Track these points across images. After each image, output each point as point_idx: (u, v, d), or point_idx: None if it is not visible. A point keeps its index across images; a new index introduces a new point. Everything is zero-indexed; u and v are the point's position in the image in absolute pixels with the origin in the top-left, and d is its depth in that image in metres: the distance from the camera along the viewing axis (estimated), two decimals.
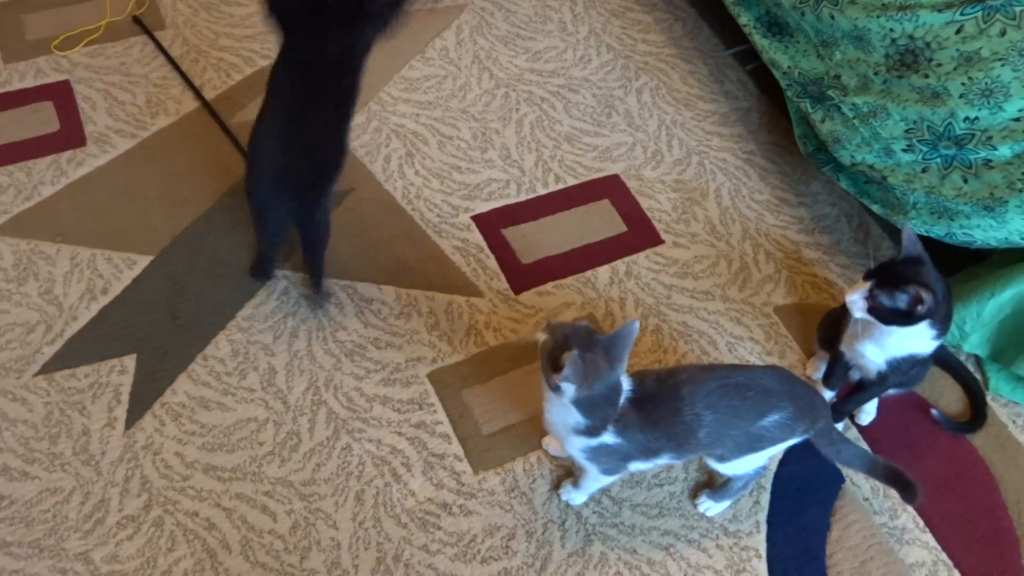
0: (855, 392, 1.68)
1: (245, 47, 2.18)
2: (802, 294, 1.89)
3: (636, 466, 1.43)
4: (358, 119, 2.06)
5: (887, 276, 1.41)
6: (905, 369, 1.53)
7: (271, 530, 1.50)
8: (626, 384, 1.34)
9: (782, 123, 2.15)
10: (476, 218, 1.93)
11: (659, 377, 1.37)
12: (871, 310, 1.41)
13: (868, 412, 1.71)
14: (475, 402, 1.67)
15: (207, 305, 1.75)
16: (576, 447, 1.38)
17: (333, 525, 1.52)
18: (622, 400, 1.33)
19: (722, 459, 1.44)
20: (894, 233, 1.97)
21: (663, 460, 1.42)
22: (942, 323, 1.44)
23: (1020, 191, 1.49)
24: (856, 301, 1.43)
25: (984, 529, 1.62)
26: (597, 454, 1.38)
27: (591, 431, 1.34)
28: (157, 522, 1.49)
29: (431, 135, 2.06)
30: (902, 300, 1.39)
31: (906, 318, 1.40)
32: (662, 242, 1.94)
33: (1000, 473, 1.69)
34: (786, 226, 1.99)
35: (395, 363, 1.71)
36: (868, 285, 1.41)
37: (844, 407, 1.69)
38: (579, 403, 1.30)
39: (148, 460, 1.55)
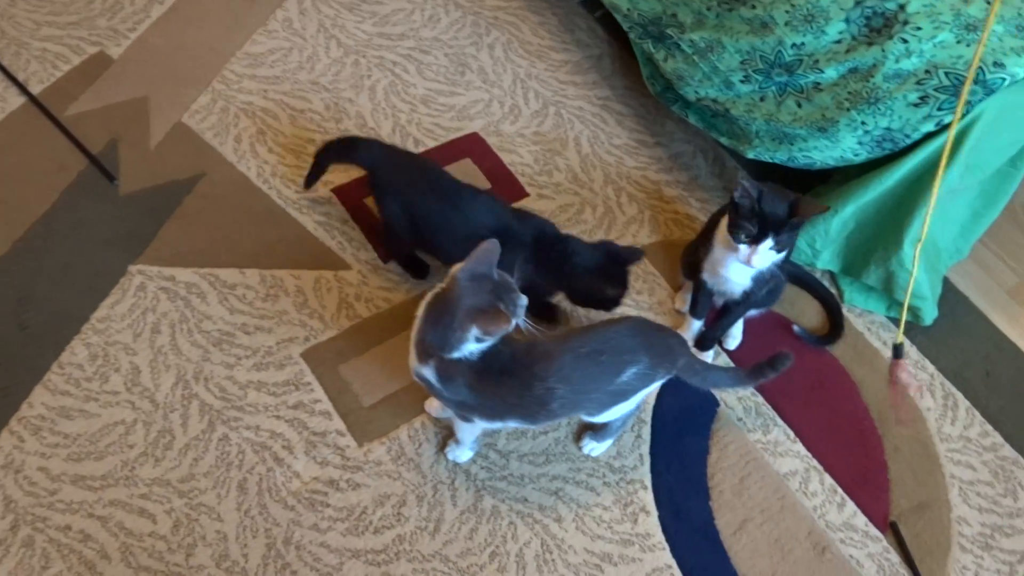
0: (720, 317, 1.74)
1: (70, 35, 2.05)
2: (666, 231, 1.94)
3: (481, 423, 1.45)
4: (202, 101, 1.98)
5: (774, 225, 1.45)
6: (767, 280, 1.59)
7: (152, 532, 1.45)
8: (474, 346, 1.30)
9: (633, 67, 2.18)
10: (337, 190, 1.89)
11: (515, 354, 1.35)
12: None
13: (735, 336, 1.79)
14: (353, 376, 1.66)
15: (57, 311, 1.65)
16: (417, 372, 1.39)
17: (217, 518, 1.48)
18: (462, 355, 1.31)
19: (590, 415, 1.48)
20: (747, 164, 2.04)
21: (512, 424, 1.44)
22: None
23: (848, 110, 1.56)
24: (764, 259, 1.48)
25: (849, 432, 1.72)
26: (433, 389, 1.38)
27: (423, 352, 1.34)
28: (27, 542, 1.42)
29: (282, 110, 2.00)
30: (797, 231, 1.47)
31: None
32: (527, 195, 1.95)
33: (860, 378, 1.79)
34: (645, 167, 2.03)
35: (266, 347, 1.67)
36: (768, 243, 1.45)
37: (713, 334, 1.76)
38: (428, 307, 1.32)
39: (10, 479, 1.47)
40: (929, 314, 1.82)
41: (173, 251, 1.76)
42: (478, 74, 2.14)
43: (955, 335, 1.87)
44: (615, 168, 2.02)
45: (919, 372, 1.81)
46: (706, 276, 1.65)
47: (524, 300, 1.31)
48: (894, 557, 1.59)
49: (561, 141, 2.05)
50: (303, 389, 1.63)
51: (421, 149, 1.98)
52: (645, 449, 1.65)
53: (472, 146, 2.01)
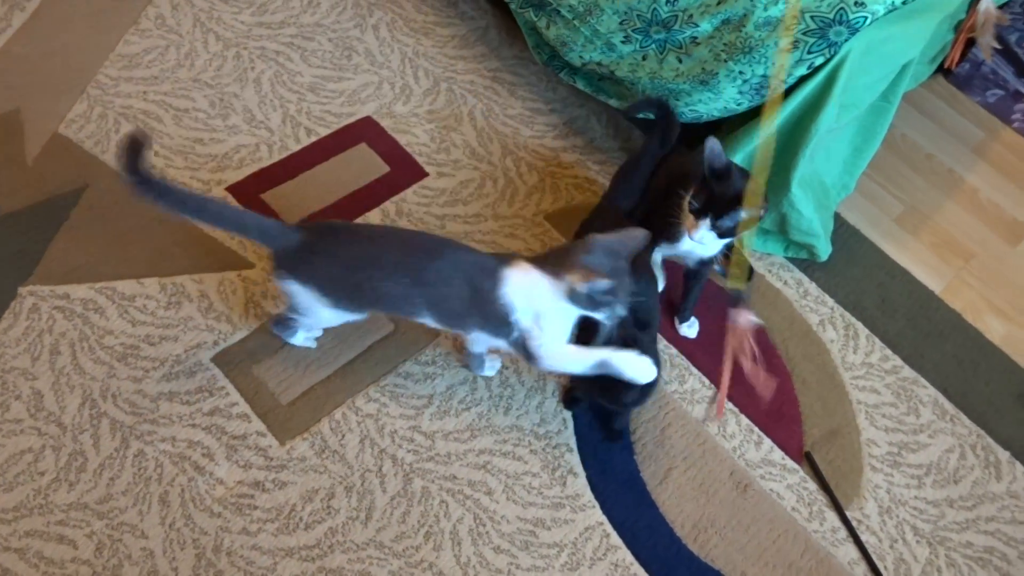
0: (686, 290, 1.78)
1: None
2: (568, 197, 1.96)
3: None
4: (78, 109, 1.90)
5: (717, 204, 1.48)
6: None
7: (74, 558, 1.41)
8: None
9: (520, 37, 2.18)
10: (231, 188, 1.84)
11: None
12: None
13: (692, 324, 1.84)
14: (268, 375, 1.63)
15: None
16: None
17: (142, 535, 1.45)
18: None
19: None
20: (640, 124, 2.08)
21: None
22: None
23: (726, 61, 1.60)
24: (704, 237, 1.50)
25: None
26: None
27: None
28: None
29: (164, 111, 1.93)
30: (740, 215, 1.49)
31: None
32: (426, 174, 1.94)
33: (765, 318, 1.86)
34: (542, 135, 2.05)
35: (174, 356, 1.63)
36: (707, 221, 1.48)
37: (685, 305, 1.79)
38: None
39: None
40: (824, 250, 1.89)
41: (65, 268, 1.69)
42: (365, 57, 2.11)
43: (850, 267, 1.96)
44: (512, 139, 2.03)
45: (819, 307, 1.89)
46: (666, 251, 1.69)
47: (623, 311, 1.39)
48: (811, 485, 1.67)
49: (456, 117, 2.04)
50: (217, 394, 1.60)
51: (313, 138, 1.95)
52: (567, 413, 1.68)
53: (366, 130, 1.98)
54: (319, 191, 1.87)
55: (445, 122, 2.03)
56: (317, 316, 1.51)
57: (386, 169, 1.93)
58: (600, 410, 1.67)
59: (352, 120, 1.99)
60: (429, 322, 1.47)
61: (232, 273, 1.73)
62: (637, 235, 1.39)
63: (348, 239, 1.45)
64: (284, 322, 1.61)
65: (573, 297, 1.36)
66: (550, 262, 1.39)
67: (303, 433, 1.58)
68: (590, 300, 1.35)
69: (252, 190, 1.84)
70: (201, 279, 1.72)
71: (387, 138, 1.98)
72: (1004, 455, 1.75)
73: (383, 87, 2.06)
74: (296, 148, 1.93)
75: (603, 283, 1.33)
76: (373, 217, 1.85)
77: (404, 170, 1.94)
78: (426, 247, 1.43)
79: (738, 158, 1.75)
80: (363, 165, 1.93)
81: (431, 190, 1.92)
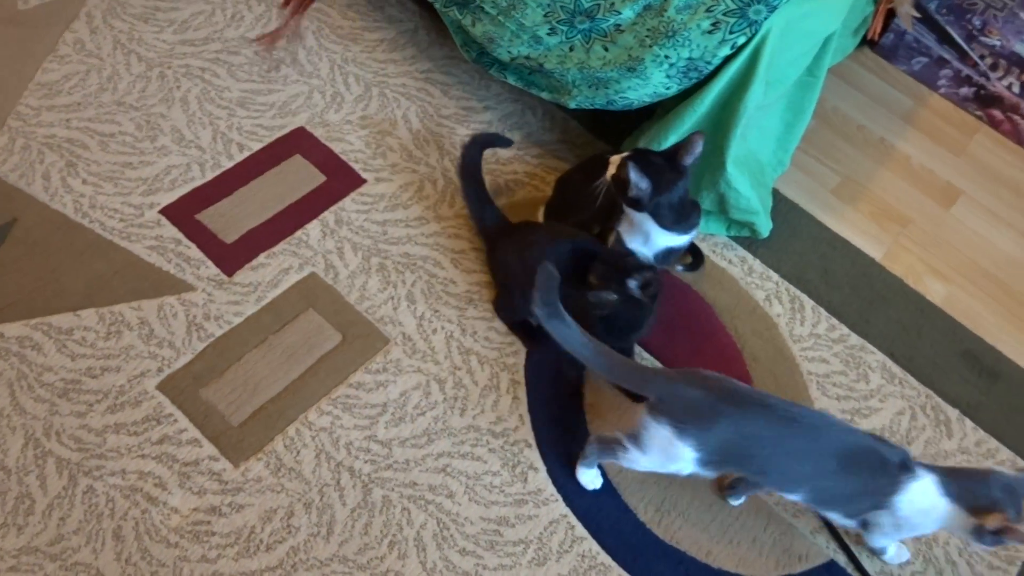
0: None
1: None
2: (508, 194, 1.96)
3: None
4: (0, 142, 1.85)
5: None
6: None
7: None
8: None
9: (449, 36, 2.17)
10: (165, 211, 1.80)
11: None
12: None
13: None
14: (216, 397, 1.60)
15: None
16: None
17: (97, 573, 1.41)
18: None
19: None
20: (575, 115, 2.08)
21: None
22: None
23: (651, 47, 1.61)
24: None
25: (711, 352, 1.81)
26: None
27: None
28: None
29: (89, 138, 1.88)
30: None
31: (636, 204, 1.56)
32: (364, 181, 1.92)
33: (713, 299, 1.88)
34: (477, 132, 2.04)
35: (117, 387, 1.59)
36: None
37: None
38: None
39: None
40: (764, 227, 1.92)
41: None
42: (294, 67, 2.08)
43: (792, 241, 1.98)
44: (448, 139, 2.02)
45: (765, 283, 1.91)
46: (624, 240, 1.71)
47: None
48: None
49: (390, 121, 2.03)
50: (165, 422, 1.56)
51: (246, 153, 1.92)
52: (524, 409, 1.67)
53: (300, 141, 1.96)
54: (256, 206, 1.84)
55: (379, 127, 2.01)
56: (655, 463, 1.43)
57: (323, 179, 1.91)
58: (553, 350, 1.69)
59: (285, 132, 1.97)
60: (795, 498, 1.44)
61: (171, 297, 1.70)
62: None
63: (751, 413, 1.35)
64: (608, 449, 1.49)
65: (978, 535, 1.33)
66: (959, 489, 1.34)
67: (257, 453, 1.56)
68: (993, 541, 1.33)
69: (187, 211, 1.81)
70: (140, 306, 1.68)
71: (321, 147, 1.96)
72: (953, 413, 1.78)
73: (314, 96, 2.04)
74: (229, 165, 1.89)
75: (1016, 536, 1.30)
76: (313, 229, 1.83)
77: (341, 178, 1.92)
78: (829, 437, 1.37)
79: (671, 141, 1.76)
80: (299, 176, 1.90)
81: (370, 196, 1.90)
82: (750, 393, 1.38)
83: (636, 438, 1.40)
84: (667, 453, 1.37)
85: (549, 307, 1.34)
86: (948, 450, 1.73)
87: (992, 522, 1.30)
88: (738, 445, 1.35)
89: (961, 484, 1.35)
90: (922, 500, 1.35)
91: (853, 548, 1.59)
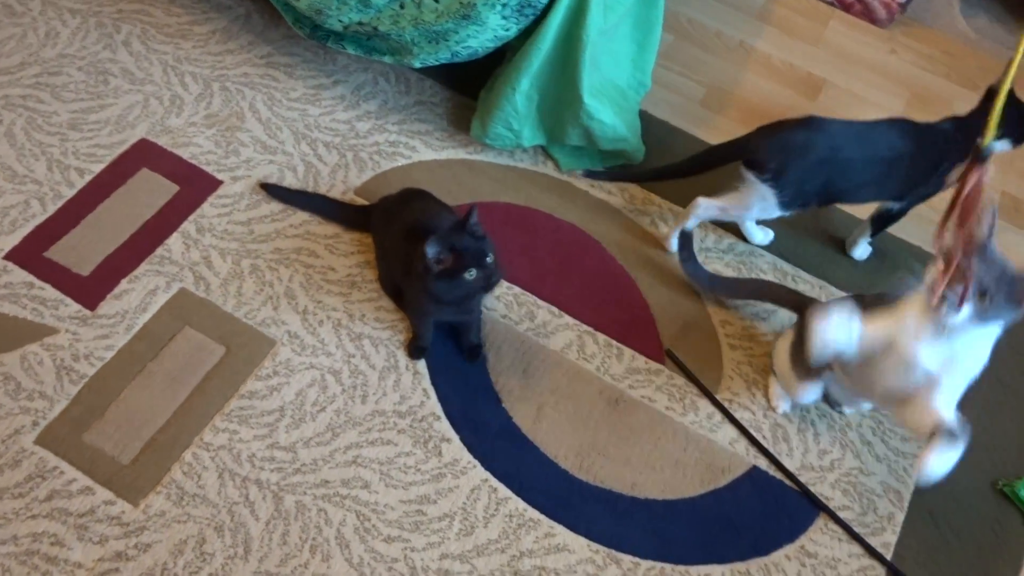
0: None
1: None
2: (374, 165, 1.89)
3: None
4: None
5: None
6: None
7: None
8: None
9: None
10: (9, 255, 1.68)
11: None
12: None
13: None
14: (101, 439, 1.51)
15: None
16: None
17: None
18: None
19: None
20: (429, 73, 2.01)
21: None
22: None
23: None
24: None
25: (606, 287, 1.79)
26: None
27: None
28: None
29: None
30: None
31: None
32: (220, 183, 1.82)
33: (599, 233, 1.85)
34: (331, 110, 1.95)
35: None
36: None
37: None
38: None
39: None
40: (637, 151, 1.89)
41: None
42: (123, 77, 1.95)
43: (667, 160, 1.95)
44: (301, 122, 1.93)
45: (648, 207, 1.90)
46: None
47: None
48: (678, 380, 1.68)
49: (237, 115, 1.92)
50: (51, 476, 1.47)
51: (88, 178, 1.80)
52: (427, 383, 1.63)
53: (144, 154, 1.84)
54: (108, 231, 1.73)
55: (227, 123, 1.91)
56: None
57: (175, 188, 1.80)
58: (451, 335, 1.66)
59: (126, 147, 1.85)
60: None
61: (33, 345, 1.59)
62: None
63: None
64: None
65: None
66: None
67: (155, 487, 1.48)
68: None
69: (33, 250, 1.69)
70: (1, 361, 1.57)
71: (168, 156, 1.85)
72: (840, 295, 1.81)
73: (151, 104, 1.92)
74: (71, 193, 1.77)
75: None
76: (174, 243, 1.73)
77: (195, 185, 1.81)
78: None
79: (524, 83, 1.72)
80: (150, 191, 1.80)
81: (229, 197, 1.80)
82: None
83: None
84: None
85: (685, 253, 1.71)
86: None
87: None
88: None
89: None
90: None
91: (771, 449, 1.61)
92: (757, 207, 1.65)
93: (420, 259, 1.41)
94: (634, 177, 1.86)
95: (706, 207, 1.72)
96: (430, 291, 1.46)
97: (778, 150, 1.59)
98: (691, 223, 1.75)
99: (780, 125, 1.62)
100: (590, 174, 1.87)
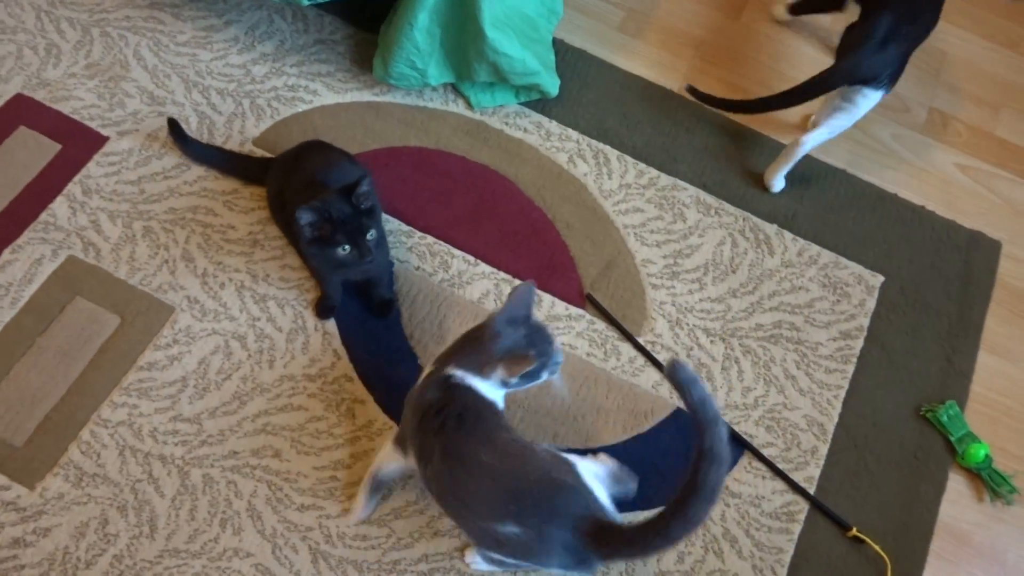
0: None
1: None
2: (272, 112, 1.77)
3: None
4: None
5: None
6: None
7: None
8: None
9: None
10: None
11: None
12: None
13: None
14: None
15: None
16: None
17: None
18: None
19: None
20: (329, 9, 1.87)
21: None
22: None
23: None
24: None
25: (523, 231, 1.71)
26: None
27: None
28: None
29: None
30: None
31: None
32: (106, 139, 1.70)
33: (514, 174, 1.77)
34: (224, 54, 1.82)
35: None
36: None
37: None
38: None
39: None
40: (551, 85, 1.79)
41: None
42: None
43: (585, 92, 1.87)
44: (192, 68, 1.79)
45: (565, 143, 1.81)
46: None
47: (560, 357, 1.33)
48: (600, 324, 1.63)
49: (121, 63, 1.78)
50: None
51: None
52: (337, 343, 1.56)
53: (20, 111, 1.70)
54: None
55: (110, 72, 1.77)
56: None
57: (57, 147, 1.68)
58: (360, 294, 1.59)
59: (0, 104, 1.71)
60: None
61: None
62: (524, 291, 1.29)
63: None
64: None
65: (509, 386, 1.30)
66: (469, 360, 1.28)
67: (52, 469, 1.41)
68: (527, 378, 1.29)
69: None
70: None
71: (47, 112, 1.71)
72: (771, 228, 1.76)
73: (24, 54, 1.77)
74: None
75: (530, 366, 1.26)
76: (59, 208, 1.61)
77: (78, 142, 1.69)
78: None
79: (422, 19, 1.61)
80: (29, 151, 1.67)
81: (116, 155, 1.68)
82: None
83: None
84: None
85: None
86: (772, 267, 1.71)
87: (505, 373, 1.27)
88: None
89: (468, 349, 1.30)
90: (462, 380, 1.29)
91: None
92: (862, 114, 1.67)
93: (293, 221, 1.33)
94: (742, 108, 1.77)
95: (814, 139, 1.71)
96: (306, 254, 1.39)
97: (887, 61, 1.60)
98: (797, 158, 1.74)
99: (864, 36, 1.59)
100: (694, 93, 1.80)
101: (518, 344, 1.28)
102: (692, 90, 1.79)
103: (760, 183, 1.80)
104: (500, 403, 1.31)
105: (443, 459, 1.22)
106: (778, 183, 1.79)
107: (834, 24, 1.98)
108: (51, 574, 1.34)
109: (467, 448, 1.21)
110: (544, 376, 1.32)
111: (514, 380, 1.28)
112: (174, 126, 1.66)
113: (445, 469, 1.22)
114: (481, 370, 1.28)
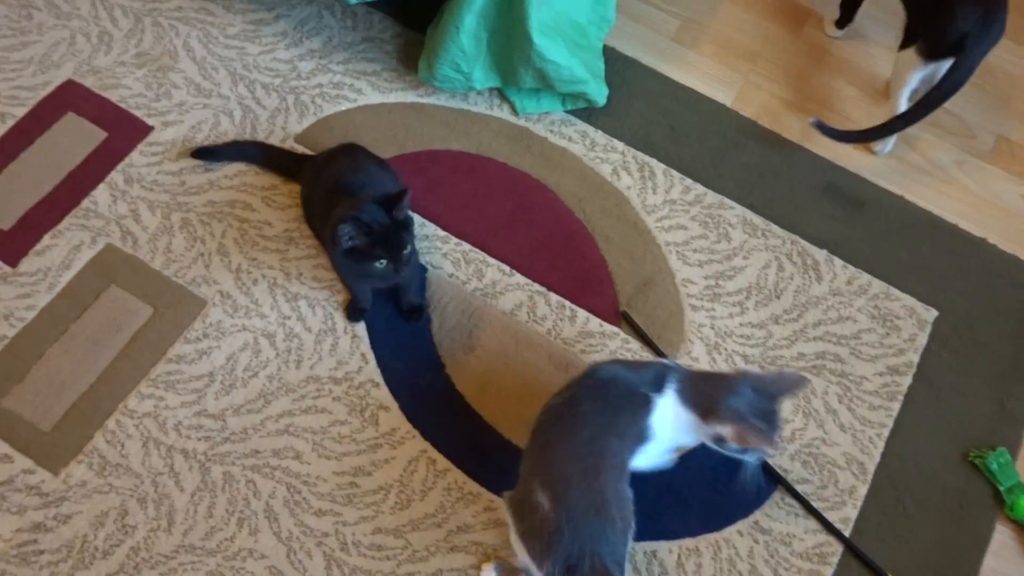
0: None
1: None
2: (316, 109, 1.76)
3: None
4: None
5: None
6: None
7: None
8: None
9: None
10: None
11: None
12: None
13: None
14: (20, 404, 1.45)
15: None
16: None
17: None
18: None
19: None
20: (378, 6, 1.85)
21: None
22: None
23: None
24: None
25: (560, 242, 1.67)
26: None
27: None
28: None
29: None
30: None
31: None
32: (151, 129, 1.70)
33: (555, 183, 1.73)
34: (272, 48, 1.81)
35: None
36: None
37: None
38: None
39: None
40: (598, 93, 1.74)
41: None
42: (48, 11, 1.81)
43: (634, 102, 1.82)
44: (239, 61, 1.79)
45: (609, 155, 1.76)
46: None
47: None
48: (634, 343, 1.59)
49: (170, 54, 1.79)
50: None
51: (9, 123, 1.68)
52: (365, 347, 1.54)
53: (70, 97, 1.72)
54: (30, 182, 1.63)
55: (158, 62, 1.78)
56: None
57: (103, 135, 1.69)
58: (391, 298, 1.56)
59: (50, 89, 1.72)
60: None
61: None
62: (792, 377, 1.27)
63: None
64: None
65: (719, 444, 1.26)
66: (696, 394, 1.26)
67: (76, 456, 1.42)
68: (738, 449, 1.26)
69: None
70: None
71: (96, 99, 1.72)
72: (821, 255, 1.69)
73: (77, 41, 1.78)
74: None
75: (761, 445, 1.23)
76: (101, 195, 1.63)
77: (124, 131, 1.70)
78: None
79: (470, 22, 1.58)
80: (75, 138, 1.68)
81: (160, 145, 1.69)
82: None
83: None
84: None
85: None
86: (819, 295, 1.65)
87: (728, 431, 1.23)
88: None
89: (699, 390, 1.27)
90: (669, 411, 1.27)
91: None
92: None
93: (332, 230, 1.31)
94: (866, 137, 1.74)
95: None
96: (335, 261, 1.37)
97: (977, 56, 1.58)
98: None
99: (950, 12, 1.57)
100: (822, 129, 1.73)
101: (754, 414, 1.23)
102: (820, 126, 1.71)
103: (811, 204, 1.73)
104: (668, 441, 1.31)
105: (578, 408, 1.25)
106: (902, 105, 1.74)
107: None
108: (67, 561, 1.35)
109: (598, 420, 1.23)
110: (746, 456, 1.29)
111: (732, 445, 1.24)
112: (201, 154, 1.66)
113: (571, 413, 1.25)
114: (703, 414, 1.25)
